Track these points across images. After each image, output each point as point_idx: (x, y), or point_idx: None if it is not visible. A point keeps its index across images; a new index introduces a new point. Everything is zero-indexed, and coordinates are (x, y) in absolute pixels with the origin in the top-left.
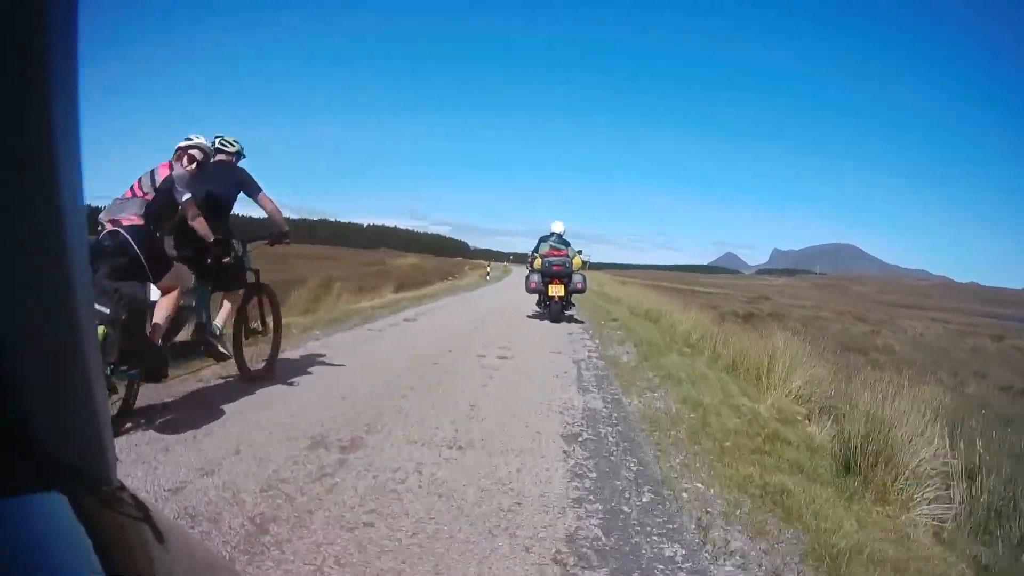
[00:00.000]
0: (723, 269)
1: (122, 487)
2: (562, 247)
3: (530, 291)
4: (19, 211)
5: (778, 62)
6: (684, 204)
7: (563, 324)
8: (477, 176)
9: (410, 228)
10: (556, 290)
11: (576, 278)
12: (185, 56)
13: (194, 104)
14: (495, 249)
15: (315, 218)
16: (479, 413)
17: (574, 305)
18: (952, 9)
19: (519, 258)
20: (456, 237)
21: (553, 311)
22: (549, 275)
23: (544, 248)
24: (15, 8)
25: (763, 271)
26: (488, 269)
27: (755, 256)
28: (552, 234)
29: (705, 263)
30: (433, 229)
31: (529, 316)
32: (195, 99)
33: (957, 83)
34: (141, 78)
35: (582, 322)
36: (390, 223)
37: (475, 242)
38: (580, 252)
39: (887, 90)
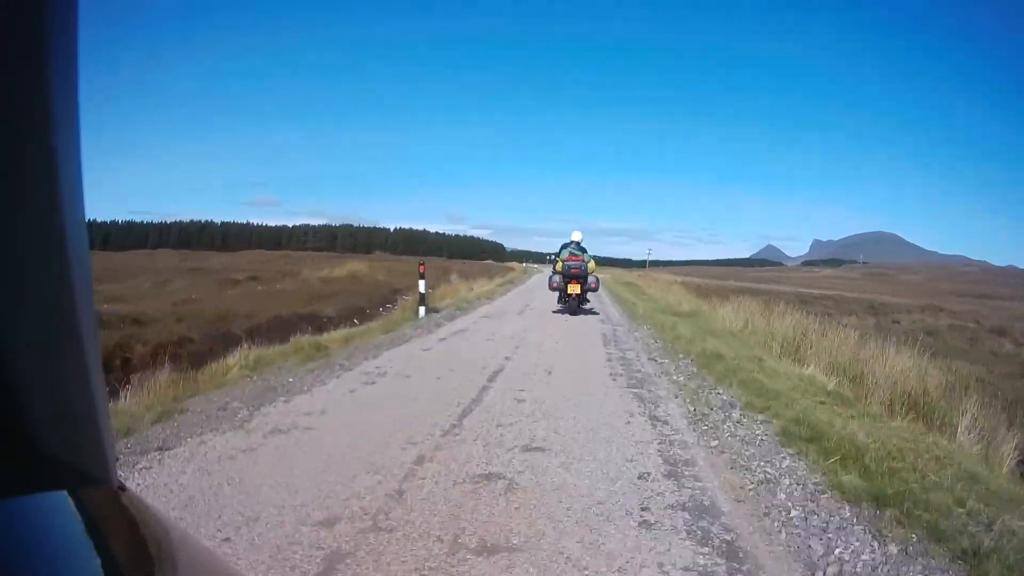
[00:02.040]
0: (765, 261)
1: (122, 487)
2: (579, 253)
3: (552, 289)
4: (19, 211)
5: (814, 54)
6: (726, 198)
7: None
8: (518, 177)
9: (442, 231)
10: (574, 288)
11: (590, 279)
12: (204, 57)
13: (216, 109)
14: (534, 250)
15: (336, 224)
16: None
17: (588, 300)
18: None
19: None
20: (494, 239)
21: (571, 305)
22: (568, 276)
23: (564, 254)
24: (15, 8)
25: (807, 262)
26: (458, 282)
27: (795, 248)
28: (572, 242)
29: (747, 256)
30: (473, 232)
31: (554, 311)
32: (216, 104)
33: (987, 69)
34: (153, 80)
35: (597, 313)
36: (420, 227)
37: (514, 243)
38: (593, 258)
39: (921, 78)
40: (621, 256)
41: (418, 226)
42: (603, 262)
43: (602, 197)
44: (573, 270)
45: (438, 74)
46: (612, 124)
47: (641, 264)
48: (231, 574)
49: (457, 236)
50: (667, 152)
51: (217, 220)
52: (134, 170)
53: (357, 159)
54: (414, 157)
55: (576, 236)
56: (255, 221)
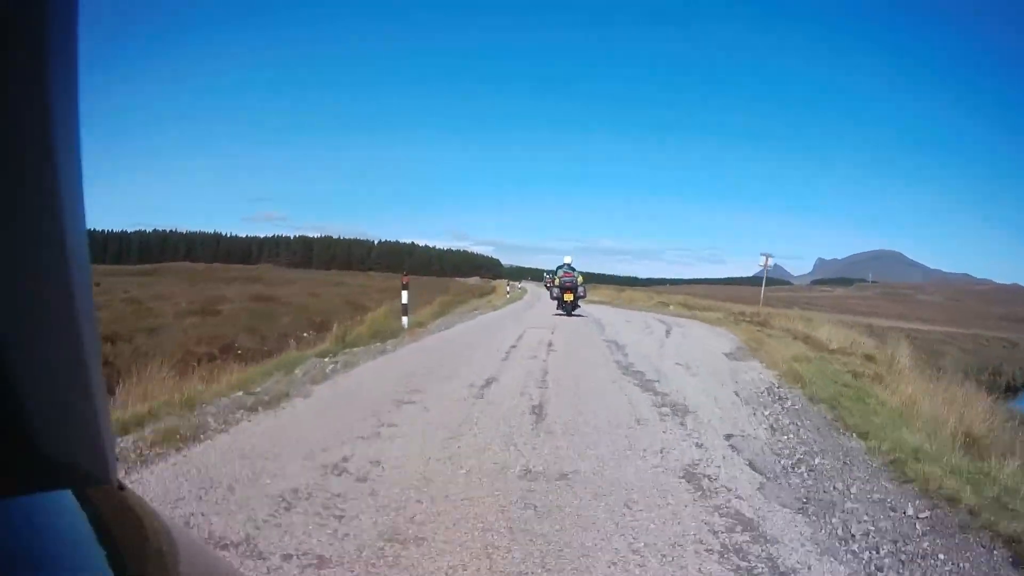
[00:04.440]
0: (770, 280)
1: (122, 487)
2: (571, 271)
3: (552, 298)
4: (19, 211)
5: (814, 73)
6: (727, 217)
7: None
8: (521, 197)
9: (432, 245)
10: (568, 297)
11: (580, 291)
12: (209, 72)
13: (222, 124)
14: (535, 267)
15: (315, 235)
16: None
17: (579, 305)
18: (983, 14)
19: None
20: (497, 256)
21: (567, 309)
22: (564, 289)
23: (560, 272)
24: (15, 9)
25: (816, 281)
26: None
27: (799, 267)
28: (565, 264)
29: (749, 276)
30: (476, 249)
31: (554, 314)
32: (222, 119)
33: (990, 84)
34: (158, 94)
35: (584, 316)
36: (407, 240)
37: (517, 260)
38: (581, 274)
39: (924, 98)
40: (626, 274)
41: (420, 241)
42: (607, 280)
43: (605, 217)
44: (567, 284)
45: (446, 92)
46: (613, 144)
47: (645, 283)
48: (229, 573)
49: (449, 251)
50: (669, 172)
51: (183, 230)
52: (137, 183)
53: (364, 176)
54: (421, 175)
55: (567, 259)
56: (224, 232)
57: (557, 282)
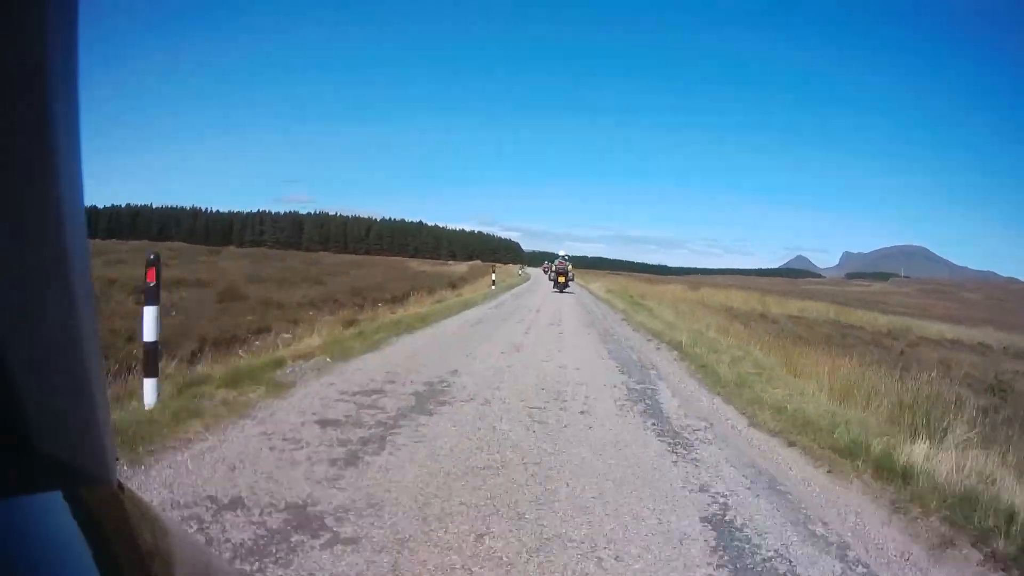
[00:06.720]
0: (799, 272)
1: (121, 487)
2: (564, 261)
3: (549, 279)
4: (19, 210)
5: (843, 68)
6: (754, 208)
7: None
8: (549, 184)
9: (441, 225)
10: (561, 279)
11: (569, 276)
12: (241, 55)
13: (250, 107)
14: (559, 252)
15: (306, 212)
16: None
17: (568, 285)
18: (1012, 9)
19: (592, 263)
20: (522, 241)
21: (559, 287)
22: (558, 273)
23: (556, 261)
24: (15, 8)
25: (851, 275)
26: None
27: (825, 259)
28: (559, 256)
29: (775, 267)
30: (502, 234)
31: (552, 291)
32: (250, 101)
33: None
34: (188, 78)
35: (573, 292)
36: (414, 219)
37: (540, 246)
38: (570, 264)
39: (951, 93)
40: (656, 263)
41: (430, 221)
42: (637, 268)
43: (633, 206)
44: (560, 269)
45: (475, 79)
46: (642, 134)
47: (677, 272)
48: (228, 572)
49: (463, 231)
50: (697, 162)
51: (155, 205)
52: (166, 162)
53: (391, 159)
54: (448, 159)
55: (562, 252)
56: (203, 207)
57: (554, 267)
